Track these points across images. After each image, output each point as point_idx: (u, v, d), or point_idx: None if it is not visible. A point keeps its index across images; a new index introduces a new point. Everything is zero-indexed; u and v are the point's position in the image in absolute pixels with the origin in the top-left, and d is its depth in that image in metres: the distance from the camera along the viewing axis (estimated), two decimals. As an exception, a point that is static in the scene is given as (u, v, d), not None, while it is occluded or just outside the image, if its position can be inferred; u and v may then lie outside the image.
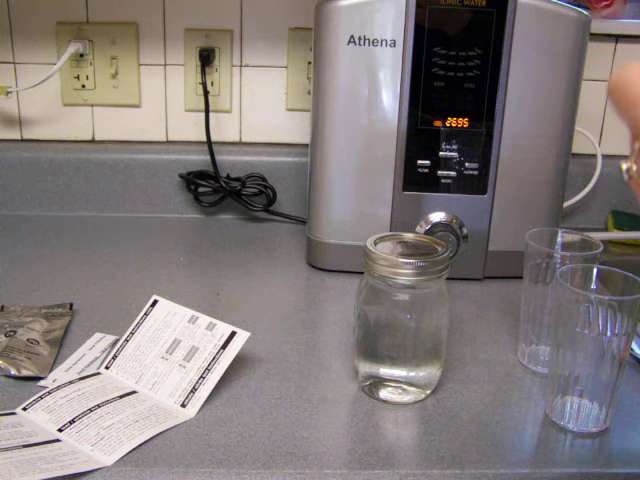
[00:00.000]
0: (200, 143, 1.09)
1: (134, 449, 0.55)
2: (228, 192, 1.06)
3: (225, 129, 1.11)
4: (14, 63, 1.07)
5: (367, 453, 0.56)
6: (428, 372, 0.63)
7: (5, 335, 0.69)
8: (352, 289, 0.82)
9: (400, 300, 0.61)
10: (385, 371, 0.63)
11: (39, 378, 0.64)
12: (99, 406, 0.59)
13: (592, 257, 0.65)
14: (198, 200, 1.09)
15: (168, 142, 1.12)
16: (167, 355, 0.65)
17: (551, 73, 0.82)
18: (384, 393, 0.63)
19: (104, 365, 0.66)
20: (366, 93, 0.83)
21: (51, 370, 0.66)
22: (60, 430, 0.57)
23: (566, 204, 1.06)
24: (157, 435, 0.57)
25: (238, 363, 0.67)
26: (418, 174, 0.85)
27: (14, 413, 0.59)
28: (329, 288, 0.87)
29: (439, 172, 0.85)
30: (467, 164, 0.84)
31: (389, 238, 0.64)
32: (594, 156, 1.09)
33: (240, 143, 1.12)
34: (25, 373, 0.64)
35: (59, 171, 1.08)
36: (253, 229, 1.07)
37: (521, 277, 0.70)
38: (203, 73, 1.04)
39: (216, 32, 1.06)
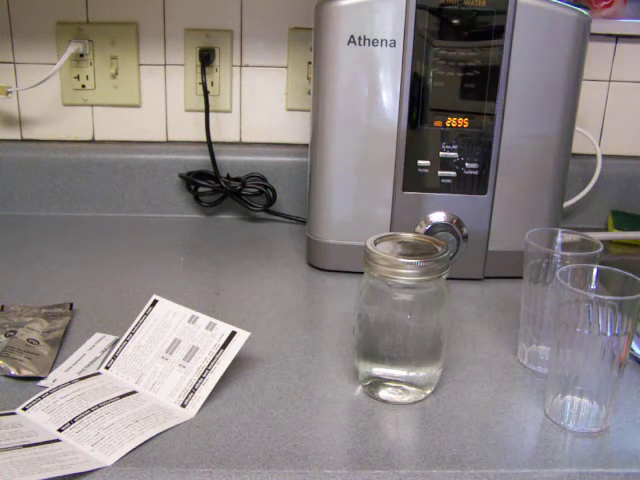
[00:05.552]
0: (200, 143, 1.09)
1: (134, 449, 0.55)
2: (228, 192, 1.06)
3: (225, 129, 1.11)
4: (14, 63, 1.07)
5: (367, 453, 0.56)
6: (428, 372, 0.63)
7: (5, 335, 0.69)
8: (352, 289, 0.82)
9: (400, 300, 0.61)
10: (385, 371, 0.63)
11: (39, 378, 0.64)
12: (99, 406, 0.59)
13: (592, 257, 0.65)
14: (198, 200, 1.09)
15: (168, 142, 1.12)
16: (167, 355, 0.65)
17: (551, 73, 0.82)
18: (384, 393, 0.63)
19: (104, 365, 0.66)
20: (366, 93, 0.83)
21: (51, 370, 0.66)
22: (60, 430, 0.57)
23: (566, 204, 1.06)
24: (157, 435, 0.57)
25: (238, 363, 0.67)
26: (418, 174, 0.85)
27: (14, 413, 0.59)
28: (329, 288, 0.87)
29: (439, 172, 0.85)
30: (467, 164, 0.84)
31: (389, 238, 0.64)
32: (594, 156, 1.08)
33: (240, 143, 1.12)
34: (25, 373, 0.64)
35: (59, 171, 1.08)
36: (253, 229, 1.07)
37: (521, 277, 0.70)
38: (203, 73, 1.04)
39: (216, 32, 1.06)
